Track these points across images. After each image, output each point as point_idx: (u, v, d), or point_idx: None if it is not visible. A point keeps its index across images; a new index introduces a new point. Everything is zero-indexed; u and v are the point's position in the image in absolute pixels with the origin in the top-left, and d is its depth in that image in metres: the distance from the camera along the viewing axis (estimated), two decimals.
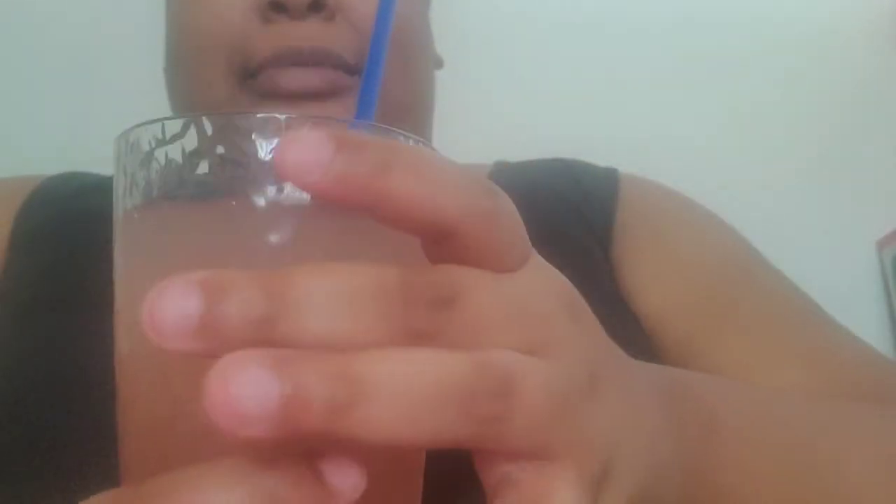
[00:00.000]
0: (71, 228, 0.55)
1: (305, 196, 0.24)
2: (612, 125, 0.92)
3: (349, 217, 0.25)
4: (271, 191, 0.25)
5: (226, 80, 0.52)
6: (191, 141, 0.25)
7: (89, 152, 0.54)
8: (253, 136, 0.25)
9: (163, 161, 0.26)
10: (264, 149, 0.25)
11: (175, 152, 0.25)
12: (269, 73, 0.51)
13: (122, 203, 0.27)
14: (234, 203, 0.25)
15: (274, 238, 0.25)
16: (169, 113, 0.60)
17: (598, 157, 0.68)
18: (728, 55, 0.95)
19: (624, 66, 0.95)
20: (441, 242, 0.23)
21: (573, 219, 0.59)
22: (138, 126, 0.26)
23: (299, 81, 0.50)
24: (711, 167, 0.92)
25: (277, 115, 0.25)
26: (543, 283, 0.25)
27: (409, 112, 0.57)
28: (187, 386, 0.24)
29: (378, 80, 0.31)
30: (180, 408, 0.25)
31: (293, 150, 0.20)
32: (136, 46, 0.64)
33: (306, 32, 0.50)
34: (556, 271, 0.27)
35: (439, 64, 0.64)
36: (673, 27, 0.96)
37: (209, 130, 0.25)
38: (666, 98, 0.94)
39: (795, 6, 0.96)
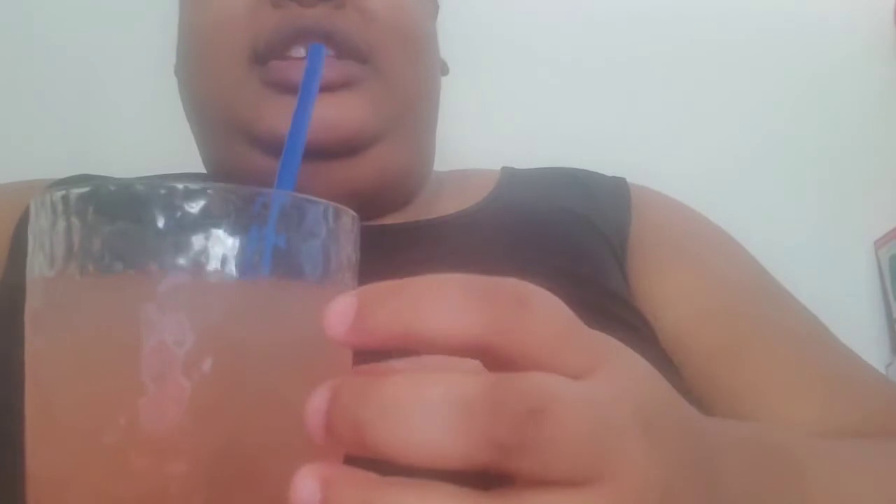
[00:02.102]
0: None
1: (211, 268, 0.25)
2: (612, 125, 0.92)
3: (260, 291, 0.26)
4: (169, 262, 0.24)
5: (234, 63, 0.53)
6: (97, 208, 0.25)
7: (95, 155, 0.54)
8: (154, 207, 0.25)
9: (67, 228, 0.25)
10: (165, 219, 0.24)
11: (79, 220, 0.25)
12: (279, 64, 0.51)
13: (31, 267, 0.27)
14: (133, 273, 0.25)
15: (171, 309, 0.24)
16: (168, 116, 0.60)
17: (599, 157, 0.69)
18: (727, 55, 0.96)
19: (625, 71, 0.95)
20: (486, 358, 0.23)
21: (586, 230, 0.59)
22: (49, 189, 0.26)
23: None
24: (711, 167, 0.92)
25: (177, 185, 0.25)
26: (621, 389, 0.24)
27: (411, 107, 0.57)
28: (95, 461, 0.25)
29: (300, 151, 0.32)
30: (88, 480, 0.25)
31: (326, 316, 0.23)
32: (146, 48, 0.64)
33: (315, 16, 0.51)
34: (637, 365, 0.26)
35: (445, 70, 0.64)
36: (673, 27, 0.96)
37: (114, 199, 0.25)
38: (665, 98, 0.95)
39: (795, 8, 0.96)
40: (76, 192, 0.25)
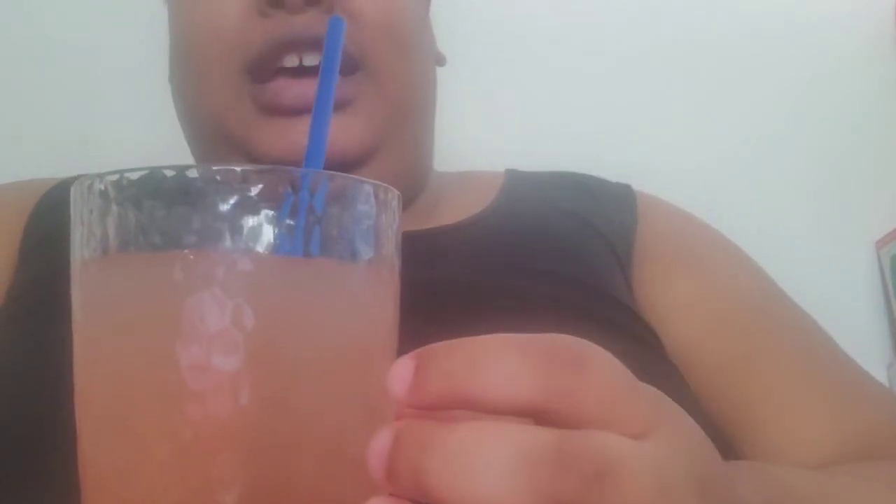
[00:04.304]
0: None
1: (265, 250, 0.25)
2: (612, 125, 0.92)
3: (306, 271, 0.26)
4: (227, 244, 0.25)
5: (225, 77, 0.52)
6: (150, 192, 0.25)
7: (95, 154, 0.54)
8: (212, 189, 0.25)
9: (120, 212, 0.26)
10: (223, 200, 0.25)
11: (134, 203, 0.26)
12: (272, 87, 0.51)
13: (80, 252, 0.27)
14: (191, 256, 0.25)
15: (227, 291, 0.25)
16: (169, 118, 0.60)
17: (600, 156, 0.69)
18: (728, 55, 0.96)
19: (625, 71, 0.95)
20: (543, 418, 0.23)
21: (591, 237, 0.58)
22: (97, 175, 0.26)
23: (301, 98, 0.50)
24: (711, 167, 0.92)
25: (235, 168, 0.25)
26: (678, 450, 0.24)
27: (408, 107, 0.56)
28: (143, 437, 0.25)
29: (327, 122, 0.32)
30: (137, 461, 0.25)
31: (388, 378, 0.24)
32: (147, 48, 0.64)
33: (304, 22, 0.51)
34: (688, 422, 0.26)
35: (441, 61, 0.64)
36: (675, 27, 0.96)
37: (168, 183, 0.25)
38: (666, 98, 0.95)
39: (795, 7, 0.96)
40: (130, 176, 0.26)
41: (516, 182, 0.64)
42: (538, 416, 0.23)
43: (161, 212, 0.25)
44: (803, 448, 0.52)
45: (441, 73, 0.63)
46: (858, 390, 0.55)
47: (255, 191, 0.25)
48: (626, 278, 0.57)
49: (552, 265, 0.53)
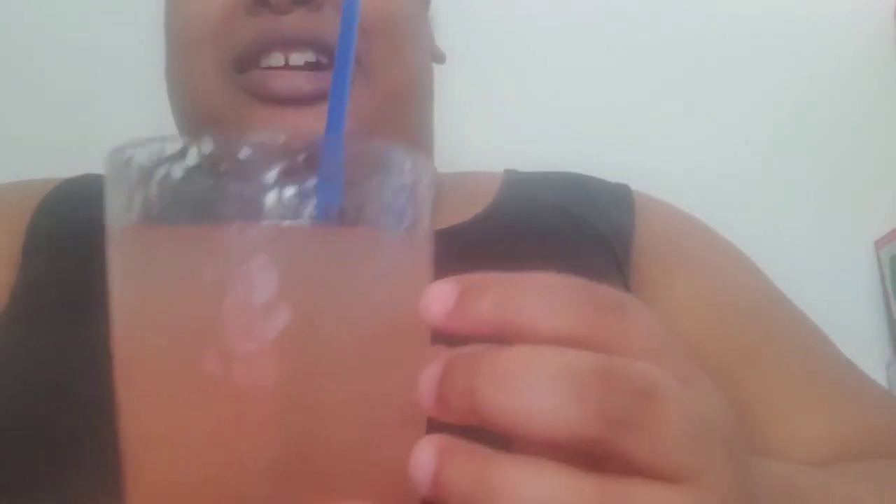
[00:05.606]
0: (84, 235, 0.55)
1: (305, 219, 0.25)
2: (612, 125, 0.92)
3: (349, 240, 0.26)
4: (268, 213, 0.25)
5: (214, 69, 0.52)
6: (189, 161, 0.25)
7: (101, 154, 0.54)
8: (250, 157, 0.25)
9: (161, 181, 0.26)
10: (261, 170, 0.25)
11: (174, 172, 0.26)
12: (260, 73, 0.51)
13: (118, 221, 0.27)
14: (234, 226, 0.25)
15: (272, 260, 0.25)
16: (170, 116, 0.60)
17: (599, 156, 0.69)
18: (728, 55, 0.96)
19: (625, 70, 0.95)
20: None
21: (589, 237, 0.58)
22: (136, 143, 0.26)
23: (290, 86, 0.50)
24: (711, 167, 0.92)
25: (276, 137, 0.25)
26: (712, 401, 0.25)
27: (404, 103, 0.56)
28: (186, 404, 0.25)
29: (346, 89, 0.31)
30: (180, 423, 0.25)
31: (424, 299, 0.24)
32: (147, 51, 0.64)
33: (291, 22, 0.50)
34: (716, 391, 0.27)
35: (440, 58, 0.64)
36: (674, 27, 0.96)
37: (207, 151, 0.25)
38: (665, 97, 0.95)
39: (795, 7, 0.96)
40: (171, 145, 0.26)
41: (515, 182, 0.64)
42: (581, 348, 0.24)
43: (201, 181, 0.25)
44: (803, 448, 0.52)
45: (440, 72, 0.63)
46: (858, 391, 0.56)
47: (297, 159, 0.25)
48: (624, 279, 0.57)
49: (550, 265, 0.53)
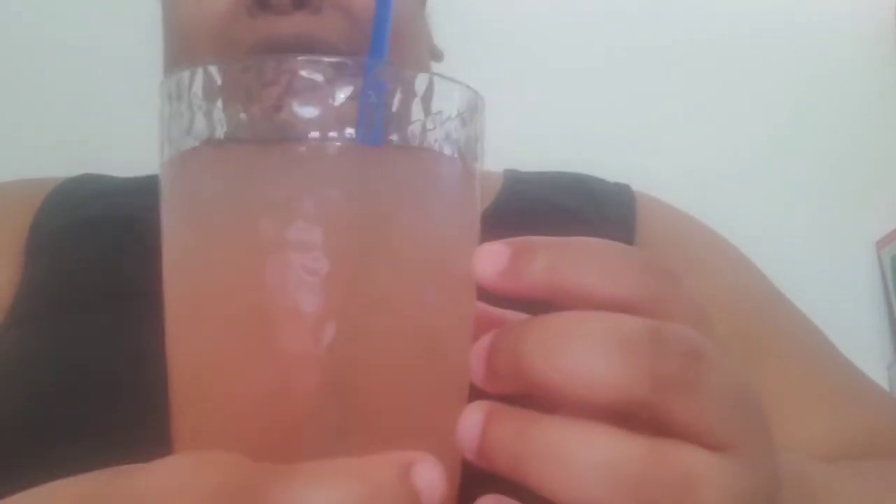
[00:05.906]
0: (87, 233, 0.55)
1: (372, 140, 0.25)
2: (612, 125, 0.92)
3: (416, 161, 0.26)
4: (333, 134, 0.25)
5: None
6: (251, 83, 0.25)
7: (102, 154, 0.54)
8: (315, 78, 0.25)
9: (221, 104, 0.26)
10: (328, 92, 0.25)
11: (235, 95, 0.25)
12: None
13: (177, 145, 0.27)
14: (300, 146, 0.25)
15: (339, 181, 0.25)
16: None
17: (599, 156, 0.69)
18: (728, 55, 0.96)
19: (625, 71, 0.95)
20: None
21: (588, 236, 0.58)
22: (193, 69, 0.26)
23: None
24: (711, 167, 0.92)
25: (346, 61, 0.25)
26: (746, 378, 0.26)
27: None
28: (247, 331, 0.25)
29: (388, 15, 0.31)
30: (238, 353, 0.25)
31: (477, 257, 0.25)
32: (147, 51, 0.64)
33: (293, 23, 0.50)
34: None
35: (438, 56, 0.64)
36: (674, 27, 0.96)
37: (269, 74, 0.25)
38: (665, 97, 0.95)
39: (796, 8, 0.96)
40: (233, 66, 0.25)
41: (515, 182, 0.64)
42: (631, 313, 0.24)
43: (263, 102, 0.25)
44: (802, 448, 0.52)
45: (439, 71, 0.63)
46: (858, 392, 0.56)
47: (360, 83, 0.25)
48: None
49: None
